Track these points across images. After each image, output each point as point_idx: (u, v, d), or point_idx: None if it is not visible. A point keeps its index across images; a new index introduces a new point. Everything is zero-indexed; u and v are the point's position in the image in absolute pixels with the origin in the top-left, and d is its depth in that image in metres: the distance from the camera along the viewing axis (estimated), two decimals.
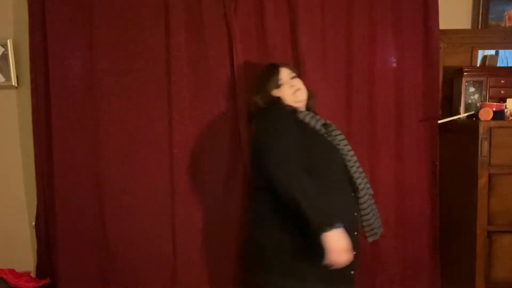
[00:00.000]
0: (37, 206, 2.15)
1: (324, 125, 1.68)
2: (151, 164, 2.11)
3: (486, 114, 1.89)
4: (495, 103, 1.99)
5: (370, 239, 1.71)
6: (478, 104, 2.05)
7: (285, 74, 1.76)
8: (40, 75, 2.07)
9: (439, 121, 2.17)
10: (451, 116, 2.15)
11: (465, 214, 1.98)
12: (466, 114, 2.12)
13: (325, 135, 1.65)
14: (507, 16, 2.27)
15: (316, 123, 1.66)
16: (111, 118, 2.08)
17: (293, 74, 1.78)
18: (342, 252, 1.42)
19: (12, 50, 2.14)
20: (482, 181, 1.87)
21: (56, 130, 2.07)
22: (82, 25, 2.04)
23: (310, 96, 1.81)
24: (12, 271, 2.10)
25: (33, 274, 2.19)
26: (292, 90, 1.73)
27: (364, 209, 1.66)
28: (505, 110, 1.96)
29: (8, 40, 2.13)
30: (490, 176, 1.87)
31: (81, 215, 2.11)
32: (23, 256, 2.24)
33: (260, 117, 1.71)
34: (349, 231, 1.51)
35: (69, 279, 2.12)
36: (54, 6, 2.02)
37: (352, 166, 1.65)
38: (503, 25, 2.27)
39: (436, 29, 2.14)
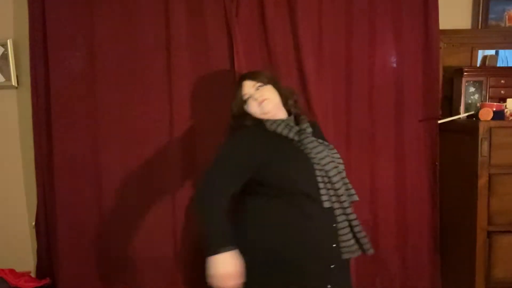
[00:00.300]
0: (37, 206, 2.15)
1: (300, 131, 1.59)
2: (151, 164, 2.11)
3: (486, 114, 1.89)
4: (495, 103, 1.99)
5: (343, 256, 1.54)
6: (478, 104, 2.05)
7: (248, 87, 1.63)
8: (40, 75, 2.07)
9: (439, 121, 2.17)
10: (451, 116, 2.15)
11: (465, 214, 1.98)
12: (466, 114, 2.12)
13: (298, 144, 1.57)
14: (507, 16, 2.27)
15: (289, 132, 1.58)
16: (111, 118, 2.08)
17: (259, 84, 1.63)
18: (224, 278, 1.38)
19: (12, 50, 2.14)
20: (482, 181, 1.87)
21: (56, 130, 2.07)
22: (82, 25, 2.04)
23: (287, 98, 1.68)
24: (12, 271, 2.10)
25: (33, 274, 2.19)
26: (256, 103, 1.61)
27: (338, 222, 1.53)
28: (505, 110, 1.96)
29: (8, 40, 2.13)
30: (490, 176, 1.87)
31: (81, 215, 2.11)
32: (23, 256, 2.24)
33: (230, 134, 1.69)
34: (324, 244, 1.50)
35: (69, 279, 2.12)
36: (54, 6, 2.02)
37: (323, 176, 1.52)
38: (503, 25, 2.27)
39: (436, 29, 2.14)
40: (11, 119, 2.22)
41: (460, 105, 2.16)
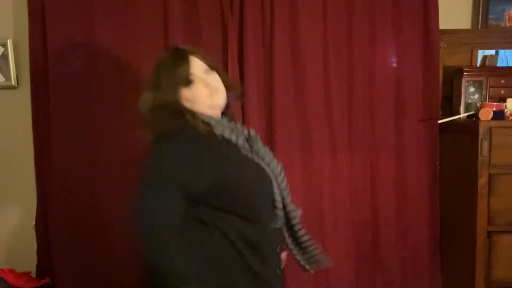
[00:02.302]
0: (37, 206, 2.15)
1: (248, 138, 1.29)
2: None
3: (486, 114, 1.89)
4: (495, 103, 1.99)
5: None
6: (478, 104, 2.05)
7: (198, 66, 1.26)
8: (40, 75, 2.07)
9: (439, 121, 2.17)
10: (451, 116, 2.15)
11: (465, 214, 1.98)
12: (466, 114, 2.12)
13: (250, 152, 1.27)
14: (507, 16, 2.27)
15: (237, 138, 1.25)
16: (111, 118, 2.08)
17: (206, 68, 1.27)
18: None
19: (12, 50, 2.14)
20: (482, 181, 1.87)
21: (56, 130, 2.06)
22: (82, 25, 2.04)
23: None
24: (12, 271, 2.09)
25: (33, 274, 2.19)
26: (208, 91, 1.25)
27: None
28: (505, 110, 1.96)
29: (8, 40, 2.13)
30: (490, 176, 1.87)
31: (81, 215, 2.11)
32: (23, 256, 2.24)
33: (155, 139, 1.24)
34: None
35: (69, 279, 2.12)
36: (54, 6, 2.02)
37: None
38: (503, 25, 2.27)
39: (436, 29, 2.14)
40: (11, 119, 2.22)
41: (460, 105, 2.15)
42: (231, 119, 1.34)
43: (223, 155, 1.22)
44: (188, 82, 1.24)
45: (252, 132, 1.31)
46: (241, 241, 1.21)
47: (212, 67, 1.29)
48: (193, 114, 1.24)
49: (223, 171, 1.19)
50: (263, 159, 1.27)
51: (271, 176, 1.26)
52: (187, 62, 1.25)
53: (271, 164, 1.28)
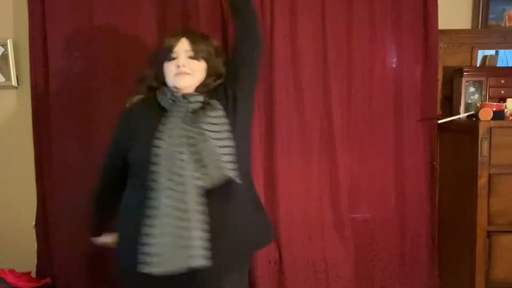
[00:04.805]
0: (37, 206, 2.15)
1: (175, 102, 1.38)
2: None
3: (486, 114, 1.89)
4: (495, 103, 1.99)
5: None
6: (478, 104, 2.05)
7: (183, 47, 1.39)
8: (40, 75, 2.07)
9: (439, 121, 2.17)
10: (451, 116, 2.15)
11: (465, 214, 1.98)
12: (466, 114, 2.12)
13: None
14: (507, 16, 2.27)
15: (165, 102, 1.39)
16: (111, 118, 2.07)
17: (193, 54, 1.39)
18: None
19: (12, 50, 2.14)
20: (482, 181, 1.87)
21: (56, 130, 2.07)
22: (82, 25, 2.04)
23: (211, 77, 1.43)
24: (12, 271, 2.09)
25: (33, 274, 2.19)
26: (175, 72, 1.38)
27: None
28: (505, 110, 1.96)
29: (8, 40, 2.13)
30: (490, 176, 1.87)
31: (81, 215, 2.10)
32: (23, 256, 2.24)
33: None
34: None
35: (69, 279, 2.12)
36: (54, 6, 2.02)
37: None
38: (503, 25, 2.27)
39: (435, 29, 2.14)
40: (11, 119, 2.22)
41: (460, 105, 2.15)
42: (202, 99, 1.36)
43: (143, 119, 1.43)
44: (169, 57, 1.39)
45: (192, 99, 1.35)
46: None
47: (198, 56, 1.39)
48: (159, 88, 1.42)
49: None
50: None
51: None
52: (176, 40, 1.40)
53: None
